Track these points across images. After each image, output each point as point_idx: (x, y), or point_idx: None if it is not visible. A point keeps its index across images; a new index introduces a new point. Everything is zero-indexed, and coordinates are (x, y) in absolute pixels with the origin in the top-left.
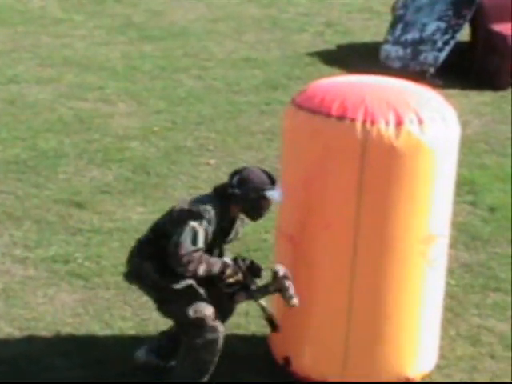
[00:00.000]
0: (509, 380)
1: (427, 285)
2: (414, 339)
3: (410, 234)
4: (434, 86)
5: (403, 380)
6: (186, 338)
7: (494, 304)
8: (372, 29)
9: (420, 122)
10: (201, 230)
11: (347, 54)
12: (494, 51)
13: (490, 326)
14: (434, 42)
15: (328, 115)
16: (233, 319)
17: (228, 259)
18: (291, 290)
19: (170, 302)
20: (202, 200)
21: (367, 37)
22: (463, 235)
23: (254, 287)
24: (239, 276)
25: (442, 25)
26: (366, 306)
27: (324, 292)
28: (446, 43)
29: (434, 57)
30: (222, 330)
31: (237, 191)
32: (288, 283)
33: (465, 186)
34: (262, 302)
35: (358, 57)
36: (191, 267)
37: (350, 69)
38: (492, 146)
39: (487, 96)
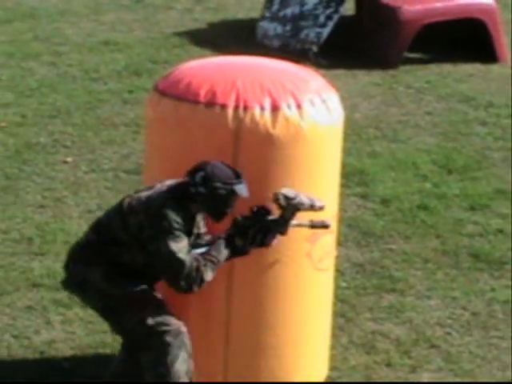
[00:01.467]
0: None
1: (314, 289)
2: (300, 350)
3: (292, 231)
4: (318, 65)
5: None
6: (143, 353)
7: (390, 306)
8: (246, 4)
9: (299, 106)
10: (180, 244)
11: (220, 33)
12: (382, 26)
13: (386, 331)
14: (316, 17)
15: (195, 102)
16: (99, 337)
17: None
18: (307, 200)
19: (120, 310)
20: (160, 205)
21: (241, 13)
22: (354, 231)
23: (273, 224)
24: (251, 233)
25: None
26: (247, 315)
27: (200, 301)
28: (329, 18)
29: (316, 34)
30: (184, 330)
31: (202, 189)
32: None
33: (354, 177)
34: (294, 222)
35: (231, 36)
36: (197, 286)
37: (223, 49)
38: (383, 132)
39: (376, 76)
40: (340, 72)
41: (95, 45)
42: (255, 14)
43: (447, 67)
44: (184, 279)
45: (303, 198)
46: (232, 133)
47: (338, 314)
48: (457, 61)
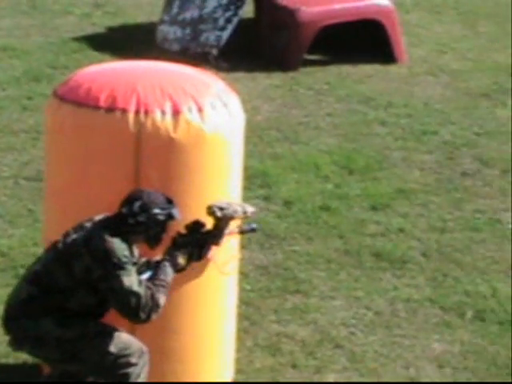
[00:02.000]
0: None
1: (219, 292)
2: (206, 354)
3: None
4: (218, 69)
5: None
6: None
7: (294, 308)
8: (146, 8)
9: (200, 109)
10: (132, 277)
11: (119, 38)
12: (281, 28)
13: (291, 333)
14: (216, 20)
15: (95, 107)
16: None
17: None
18: (239, 208)
19: (81, 350)
20: (103, 244)
21: (141, 17)
22: (257, 234)
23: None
24: (188, 249)
25: (223, 0)
26: (150, 325)
27: None
28: (228, 21)
29: (216, 37)
30: (146, 349)
31: (141, 218)
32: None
33: (257, 179)
34: (226, 232)
35: (131, 40)
36: (155, 314)
37: (123, 54)
38: (284, 134)
39: (277, 78)
40: (240, 75)
41: None
42: (155, 18)
43: (346, 68)
44: (143, 311)
45: (236, 207)
46: (133, 137)
47: (242, 317)
48: (356, 62)
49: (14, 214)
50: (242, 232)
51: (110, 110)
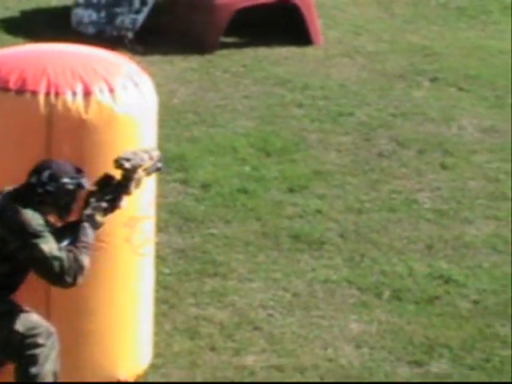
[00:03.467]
0: None
1: (135, 274)
2: (124, 336)
3: (111, 217)
4: (134, 52)
5: (115, 381)
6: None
7: (212, 291)
8: None
9: (111, 90)
10: (50, 244)
11: (33, 21)
12: (197, 10)
13: (209, 316)
14: (131, 3)
15: (5, 89)
16: None
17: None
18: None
19: None
20: (16, 215)
21: (55, 0)
22: (175, 217)
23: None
24: (102, 205)
25: None
26: (67, 302)
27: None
28: (143, 3)
29: (131, 20)
30: (53, 330)
31: (50, 188)
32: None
33: (174, 163)
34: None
35: (45, 24)
36: (81, 276)
37: (37, 37)
38: (201, 116)
39: (193, 61)
40: (157, 58)
41: None
42: (69, 2)
43: (263, 51)
44: (67, 274)
45: (142, 155)
46: (44, 119)
47: (160, 301)
48: (272, 44)
49: None
50: (148, 173)
51: (20, 92)
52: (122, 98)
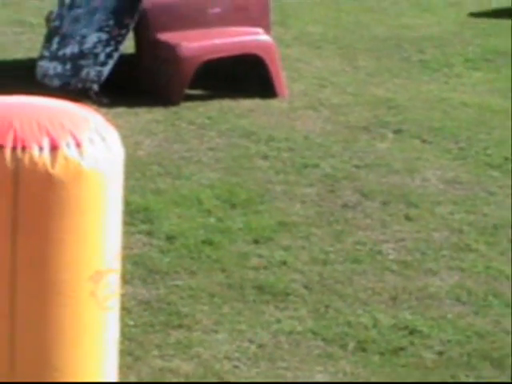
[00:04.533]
0: None
1: (100, 329)
2: None
3: (76, 271)
4: (99, 104)
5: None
6: None
7: (177, 342)
8: (25, 43)
9: (78, 144)
10: None
11: None
12: (162, 63)
13: (174, 368)
14: (96, 56)
15: None
16: None
17: None
18: None
19: None
20: None
21: (21, 53)
22: (140, 269)
23: None
24: None
25: (104, 36)
26: (31, 359)
27: None
28: (109, 56)
29: (96, 72)
30: None
31: None
32: None
33: (139, 215)
34: None
35: (11, 76)
36: None
37: (1, 89)
38: (166, 168)
39: (158, 113)
40: (122, 110)
41: None
42: (34, 54)
43: (228, 103)
44: None
45: None
46: (10, 174)
47: (125, 353)
48: (237, 96)
49: None
50: None
51: None
52: (89, 153)
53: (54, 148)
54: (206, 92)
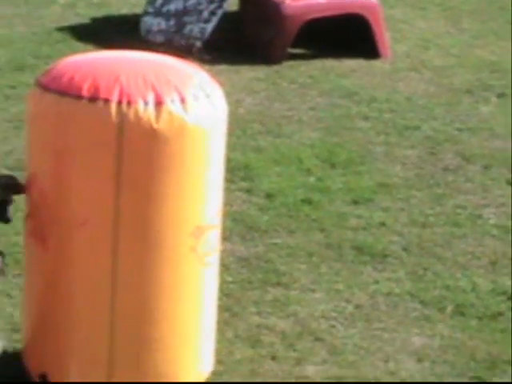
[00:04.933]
0: None
1: (200, 284)
2: (187, 344)
3: (177, 226)
4: (202, 61)
5: None
6: None
7: (275, 300)
8: None
9: (183, 100)
10: None
11: (103, 28)
12: (266, 21)
13: (271, 325)
14: (200, 13)
15: (78, 97)
16: None
17: None
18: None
19: None
20: None
21: (125, 8)
22: (239, 226)
23: None
24: None
25: None
26: (132, 310)
27: (82, 298)
28: (212, 13)
29: (200, 29)
30: None
31: None
32: None
33: (239, 172)
34: None
35: (115, 31)
36: None
37: (106, 44)
38: (267, 126)
39: (260, 71)
40: (224, 67)
41: None
42: (139, 10)
43: (330, 63)
44: None
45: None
46: (115, 128)
47: (223, 309)
48: (340, 56)
49: None
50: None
51: (93, 99)
52: (193, 109)
53: (158, 103)
54: (309, 51)
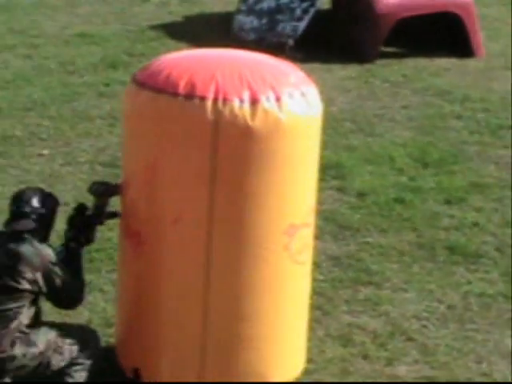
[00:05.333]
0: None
1: (292, 281)
2: (278, 342)
3: (270, 224)
4: (294, 59)
5: None
6: None
7: (366, 299)
8: None
9: (278, 99)
10: (59, 267)
11: (196, 27)
12: (358, 20)
13: (362, 324)
14: (292, 11)
15: (174, 94)
16: None
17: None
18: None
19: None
20: (29, 251)
21: (218, 6)
22: (330, 225)
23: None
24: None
25: None
26: (224, 307)
27: (175, 294)
28: (305, 12)
29: (292, 27)
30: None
31: (42, 211)
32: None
33: (331, 170)
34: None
35: (208, 29)
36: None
37: (199, 42)
38: (359, 125)
39: (352, 70)
40: (316, 66)
41: (71, 37)
42: (231, 8)
43: (423, 61)
44: (78, 300)
45: (109, 185)
46: (211, 125)
47: (314, 307)
48: (432, 55)
49: (90, 198)
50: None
51: (189, 97)
52: (288, 107)
53: (254, 101)
54: (401, 50)
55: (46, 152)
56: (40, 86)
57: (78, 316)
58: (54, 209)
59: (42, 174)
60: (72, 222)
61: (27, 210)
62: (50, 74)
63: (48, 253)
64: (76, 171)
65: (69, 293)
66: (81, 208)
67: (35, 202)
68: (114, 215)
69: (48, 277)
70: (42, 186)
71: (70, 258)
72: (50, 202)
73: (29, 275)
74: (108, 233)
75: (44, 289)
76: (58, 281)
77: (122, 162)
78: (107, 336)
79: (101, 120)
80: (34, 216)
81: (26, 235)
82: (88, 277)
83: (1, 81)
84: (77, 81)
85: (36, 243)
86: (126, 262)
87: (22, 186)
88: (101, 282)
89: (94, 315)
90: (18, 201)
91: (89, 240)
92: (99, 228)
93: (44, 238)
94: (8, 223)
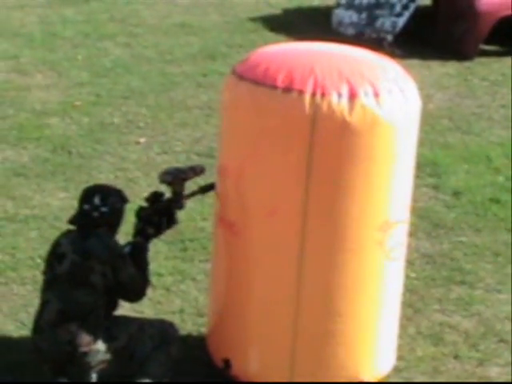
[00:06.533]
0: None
1: (384, 278)
2: (369, 338)
3: (365, 220)
4: (392, 55)
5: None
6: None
7: (459, 299)
8: None
9: (376, 94)
10: (126, 260)
11: (295, 20)
12: (458, 17)
13: (454, 323)
14: (392, 6)
15: (273, 87)
16: (166, 317)
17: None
18: (185, 167)
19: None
20: (99, 246)
21: (317, 0)
22: (424, 222)
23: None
24: (155, 219)
25: None
26: (316, 302)
27: (268, 287)
28: (405, 7)
29: (391, 23)
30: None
31: (104, 209)
32: None
33: (426, 168)
34: (187, 193)
35: (306, 22)
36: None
37: (297, 36)
38: (456, 123)
39: (451, 67)
40: (414, 62)
41: (170, 27)
42: (331, 2)
43: None
44: (143, 293)
45: (184, 169)
46: (308, 119)
47: (406, 304)
48: None
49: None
50: (203, 190)
51: (287, 90)
52: (387, 103)
53: (352, 96)
54: (502, 48)
55: (142, 140)
56: (138, 75)
57: (170, 304)
58: (117, 208)
59: (139, 162)
60: (139, 213)
61: (86, 207)
62: (149, 63)
63: (116, 246)
64: (172, 160)
65: (134, 286)
66: (155, 196)
67: (97, 200)
68: (211, 187)
69: (116, 270)
70: (137, 174)
71: (135, 252)
72: (114, 201)
73: (99, 268)
74: (202, 222)
75: (112, 282)
76: (124, 274)
77: (219, 151)
78: (198, 325)
79: (198, 110)
80: (95, 213)
81: (94, 230)
82: (181, 266)
83: (100, 68)
84: (175, 70)
85: (104, 236)
86: (219, 252)
87: (119, 174)
88: (194, 271)
89: (186, 304)
90: (84, 198)
91: (171, 223)
92: (194, 218)
93: (112, 234)
94: (75, 219)
